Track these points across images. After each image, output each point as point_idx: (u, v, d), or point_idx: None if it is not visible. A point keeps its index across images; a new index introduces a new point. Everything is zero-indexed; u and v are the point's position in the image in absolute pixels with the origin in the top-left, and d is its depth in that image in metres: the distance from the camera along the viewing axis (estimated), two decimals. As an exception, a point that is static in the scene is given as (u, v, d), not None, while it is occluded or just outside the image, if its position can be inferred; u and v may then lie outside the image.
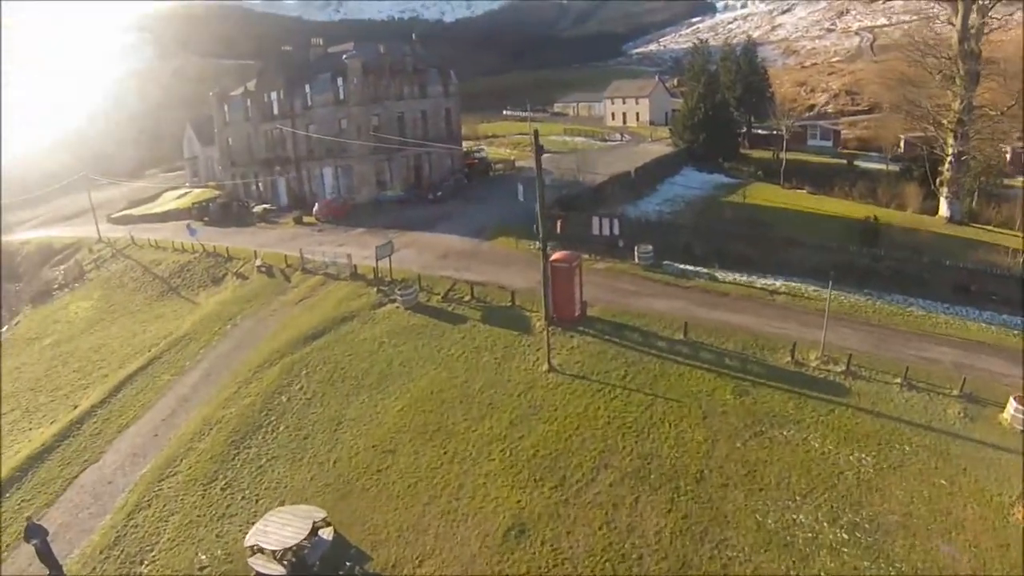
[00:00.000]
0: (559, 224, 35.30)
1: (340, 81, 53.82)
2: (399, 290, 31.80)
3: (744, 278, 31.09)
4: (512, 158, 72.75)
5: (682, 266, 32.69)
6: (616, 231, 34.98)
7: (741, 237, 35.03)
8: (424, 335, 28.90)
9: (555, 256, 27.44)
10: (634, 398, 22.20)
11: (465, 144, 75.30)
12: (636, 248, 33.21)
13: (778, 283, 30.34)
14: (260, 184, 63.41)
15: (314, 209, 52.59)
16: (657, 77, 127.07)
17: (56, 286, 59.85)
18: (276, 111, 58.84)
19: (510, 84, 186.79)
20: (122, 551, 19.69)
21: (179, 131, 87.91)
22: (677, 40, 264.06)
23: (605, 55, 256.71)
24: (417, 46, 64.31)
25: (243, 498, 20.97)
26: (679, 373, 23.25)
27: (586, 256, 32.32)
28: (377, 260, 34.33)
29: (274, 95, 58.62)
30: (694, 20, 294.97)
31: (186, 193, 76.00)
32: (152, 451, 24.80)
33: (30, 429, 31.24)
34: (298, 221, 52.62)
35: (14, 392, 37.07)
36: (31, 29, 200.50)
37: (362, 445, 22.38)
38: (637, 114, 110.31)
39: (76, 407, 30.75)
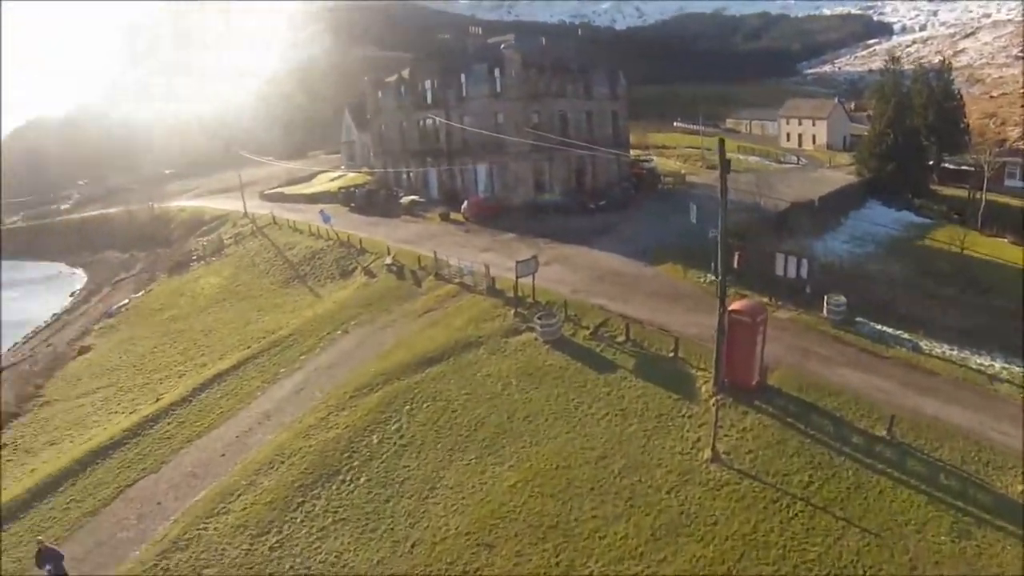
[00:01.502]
0: (737, 257, 36.58)
1: (498, 73, 60.67)
2: (540, 317, 33.04)
3: (956, 353, 30.38)
4: (683, 172, 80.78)
5: (880, 327, 32.71)
6: (804, 274, 36.62)
7: (955, 300, 36.10)
8: (561, 381, 28.95)
9: (735, 305, 27.75)
10: (819, 521, 20.91)
11: (632, 153, 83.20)
12: (826, 298, 34.18)
13: (998, 365, 29.53)
14: (411, 174, 73.28)
15: (463, 207, 59.72)
16: (836, 98, 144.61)
17: (195, 257, 74.10)
18: (430, 100, 68.08)
19: (679, 95, 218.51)
20: None
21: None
22: (852, 62, 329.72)
23: (777, 73, 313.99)
24: (583, 44, 70.81)
25: (291, 568, 21.85)
26: (880, 490, 21.98)
27: (764, 299, 33.54)
28: (518, 277, 36.17)
29: (428, 84, 68.13)
30: (870, 42, 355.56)
31: (339, 176, 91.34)
32: (212, 474, 27.45)
33: (113, 413, 38.06)
34: (444, 217, 59.92)
35: (118, 366, 46.34)
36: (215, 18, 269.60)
37: (454, 528, 22.24)
38: (813, 136, 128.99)
39: (158, 399, 36.29)
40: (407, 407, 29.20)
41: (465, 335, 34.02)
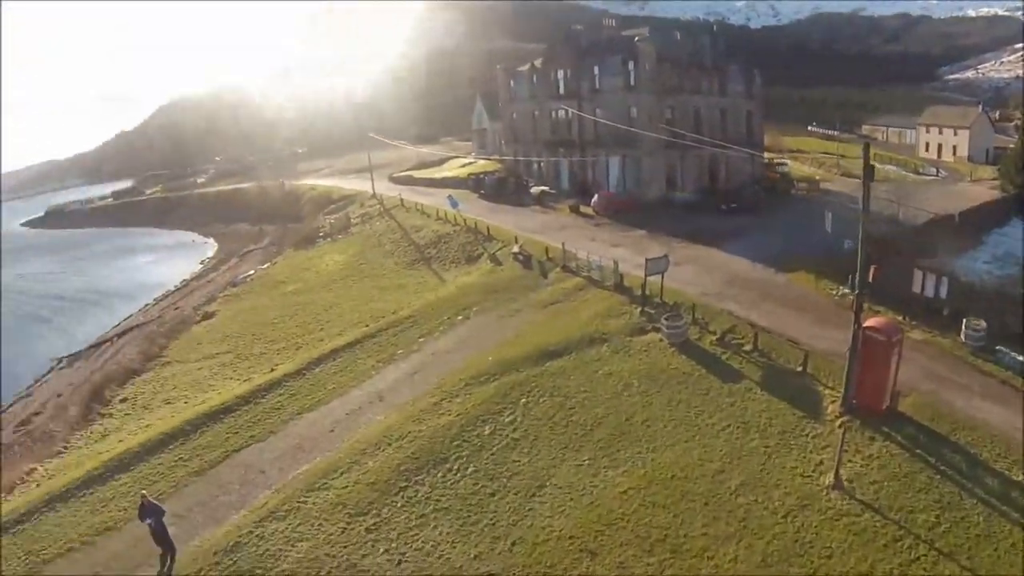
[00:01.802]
0: (873, 271, 34.48)
1: (632, 65, 60.86)
2: (667, 318, 32.59)
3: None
4: (816, 178, 79.12)
5: (1022, 358, 30.39)
6: (943, 294, 35.33)
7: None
8: (685, 387, 28.34)
9: (870, 322, 26.87)
10: (943, 569, 19.65)
11: (765, 156, 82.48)
12: (964, 322, 32.74)
13: None
14: (542, 164, 74.47)
15: (593, 200, 60.23)
16: (980, 107, 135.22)
17: (322, 234, 77.48)
18: (563, 91, 69.15)
19: (814, 98, 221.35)
20: (234, 562, 21.84)
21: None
22: (998, 68, 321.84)
23: (916, 78, 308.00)
24: (719, 40, 71.43)
25: (385, 551, 21.57)
26: (1012, 542, 20.37)
27: (899, 318, 32.68)
28: (647, 275, 35.78)
29: (561, 74, 69.10)
30: (1018, 46, 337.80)
31: (469, 163, 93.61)
32: (319, 449, 27.68)
33: (228, 379, 39.75)
34: (574, 210, 60.63)
35: (239, 333, 48.59)
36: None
37: (558, 530, 21.66)
38: (954, 147, 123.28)
39: (273, 370, 37.37)
40: (523, 400, 28.76)
41: (589, 331, 33.70)
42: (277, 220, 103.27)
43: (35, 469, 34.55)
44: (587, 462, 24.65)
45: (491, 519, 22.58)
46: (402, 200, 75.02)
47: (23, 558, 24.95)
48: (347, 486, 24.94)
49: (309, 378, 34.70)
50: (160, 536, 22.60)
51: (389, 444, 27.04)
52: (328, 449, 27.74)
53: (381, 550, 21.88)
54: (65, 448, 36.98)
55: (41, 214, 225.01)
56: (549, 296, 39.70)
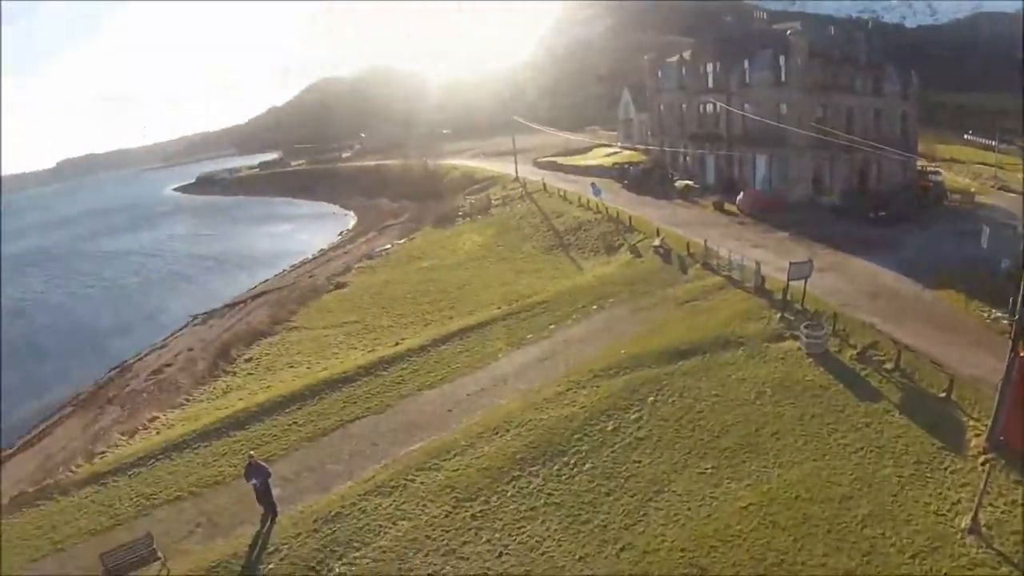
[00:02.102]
0: None
1: (783, 60, 58.75)
2: (807, 326, 31.26)
3: None
4: (972, 190, 73.21)
5: None
6: None
7: None
8: (819, 401, 26.80)
9: None
10: None
11: (918, 163, 77.09)
12: None
13: None
14: (687, 158, 73.07)
15: (738, 198, 58.42)
16: None
17: (461, 213, 78.97)
18: (711, 84, 67.22)
19: (972, 104, 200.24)
20: (333, 532, 21.83)
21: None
22: None
23: None
24: (873, 37, 67.75)
25: (487, 541, 20.99)
26: None
27: None
28: (789, 280, 34.24)
29: (710, 67, 67.20)
30: None
31: (614, 153, 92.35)
32: (434, 428, 27.39)
33: (353, 348, 40.47)
34: (718, 207, 58.90)
35: (369, 305, 49.87)
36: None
37: (670, 540, 20.55)
38: None
39: (398, 344, 37.69)
40: (651, 398, 27.64)
41: (725, 332, 32.37)
42: (418, 197, 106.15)
43: (157, 417, 36.27)
44: (710, 471, 23.38)
45: (603, 520, 21.59)
46: (545, 185, 75.14)
47: (134, 500, 26.16)
48: (458, 469, 24.50)
49: (434, 355, 34.68)
50: (264, 496, 23.07)
51: (507, 430, 26.39)
52: (444, 429, 27.43)
53: (484, 539, 21.29)
54: (188, 400, 38.63)
55: (192, 181, 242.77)
56: (687, 293, 38.54)
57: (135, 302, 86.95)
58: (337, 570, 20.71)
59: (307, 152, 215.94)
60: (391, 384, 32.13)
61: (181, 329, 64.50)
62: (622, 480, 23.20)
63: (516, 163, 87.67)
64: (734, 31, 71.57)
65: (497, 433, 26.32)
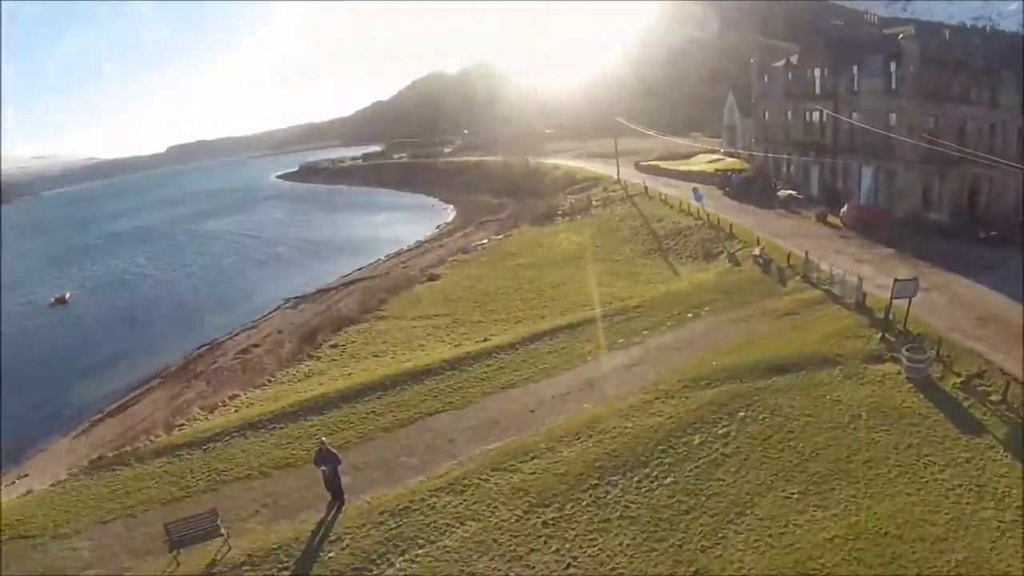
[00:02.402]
0: None
1: (893, 66, 55.70)
2: (908, 349, 29.24)
3: None
4: None
5: None
6: None
7: None
8: (917, 430, 24.94)
9: None
10: None
11: None
12: None
13: None
14: (791, 167, 70.24)
15: (842, 210, 55.94)
16: None
17: (560, 213, 78.61)
18: (818, 90, 64.23)
19: None
20: (398, 526, 21.37)
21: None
22: None
23: None
24: (990, 45, 63.01)
25: (556, 551, 20.11)
26: None
27: None
28: (892, 298, 32.21)
29: (817, 72, 64.30)
30: None
31: (717, 159, 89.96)
32: (515, 428, 26.63)
33: (440, 341, 40.23)
34: (821, 218, 56.56)
35: (460, 299, 49.79)
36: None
37: (747, 567, 19.28)
38: None
39: (486, 339, 37.16)
40: (741, 413, 26.20)
41: (822, 349, 30.64)
42: (518, 195, 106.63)
43: (237, 396, 36.77)
44: (796, 496, 21.84)
45: (679, 539, 20.37)
46: (646, 188, 74.22)
47: (206, 474, 26.56)
48: (535, 472, 23.64)
49: (522, 353, 34.01)
50: (332, 484, 22.89)
51: (590, 436, 25.39)
52: (525, 430, 26.63)
53: (553, 548, 20.38)
54: (269, 381, 38.99)
55: (295, 169, 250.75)
56: (785, 305, 37.05)
57: (231, 283, 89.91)
58: (398, 565, 20.22)
59: (409, 145, 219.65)
60: (475, 380, 31.60)
61: (273, 311, 65.87)
62: (703, 498, 21.93)
63: (618, 165, 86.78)
64: (843, 35, 68.48)
65: (579, 438, 25.37)
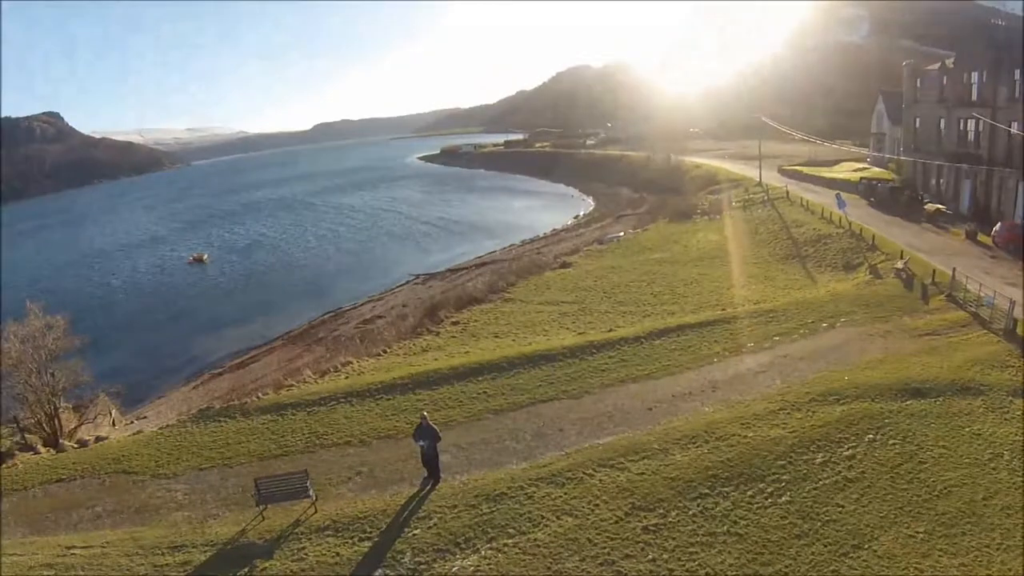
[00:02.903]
0: None
1: None
2: None
3: None
4: None
5: None
6: None
7: None
8: None
9: None
10: None
11: None
12: None
13: None
14: (941, 179, 64.92)
15: (994, 229, 51.03)
16: None
17: (699, 211, 77.01)
18: (974, 97, 58.31)
19: None
20: (491, 512, 20.46)
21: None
22: None
23: None
24: None
25: (652, 560, 18.36)
26: None
27: None
28: None
29: (974, 77, 58.29)
30: None
31: (863, 168, 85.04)
32: (628, 424, 25.21)
33: (564, 328, 39.37)
34: (970, 236, 52.11)
35: (589, 288, 49.01)
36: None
37: None
38: None
39: (611, 330, 35.98)
40: (869, 436, 23.63)
41: (964, 376, 27.47)
42: (657, 191, 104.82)
43: (351, 363, 36.97)
44: (921, 535, 19.21)
45: (787, 567, 18.24)
46: (787, 192, 71.85)
47: (306, 435, 26.84)
48: (643, 473, 22.10)
49: (646, 347, 32.59)
50: (429, 460, 22.32)
51: (706, 441, 23.60)
52: (639, 427, 25.13)
53: (649, 556, 18.72)
54: (385, 352, 39.07)
55: (436, 151, 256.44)
56: (926, 324, 33.81)
57: (364, 255, 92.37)
58: (482, 552, 19.25)
59: (552, 135, 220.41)
60: (594, 370, 30.42)
61: (401, 285, 66.86)
62: (819, 524, 19.67)
63: (760, 167, 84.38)
64: (1006, 37, 62.54)
65: (694, 442, 23.60)
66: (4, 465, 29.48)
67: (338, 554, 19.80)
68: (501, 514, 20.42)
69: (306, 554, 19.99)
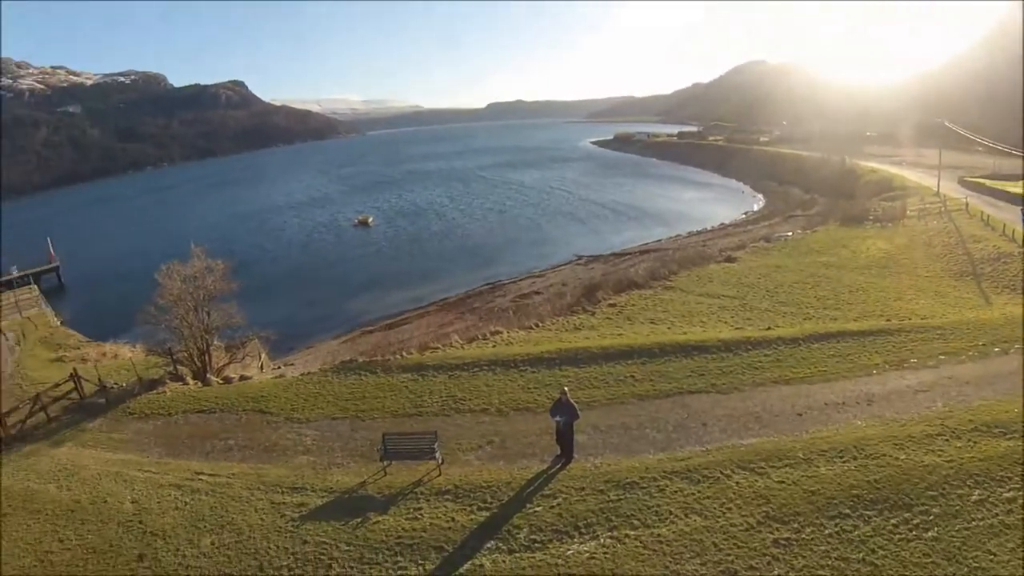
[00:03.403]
0: None
1: None
2: None
3: None
4: None
5: None
6: None
7: None
8: None
9: None
10: None
11: None
12: None
13: None
14: None
15: None
16: None
17: (871, 217, 72.41)
18: None
19: None
20: (618, 500, 19.61)
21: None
22: None
23: None
24: None
25: (777, 574, 17.03)
26: None
27: None
28: None
29: None
30: None
31: None
32: (775, 428, 23.66)
33: (721, 321, 38.02)
34: None
35: (751, 284, 47.45)
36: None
37: None
38: None
39: (769, 328, 34.33)
40: None
41: None
42: (829, 193, 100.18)
43: (500, 332, 37.03)
44: None
45: None
46: (967, 205, 66.78)
47: (443, 398, 27.11)
48: (783, 482, 20.49)
49: (803, 350, 30.60)
50: (563, 437, 21.69)
51: (854, 458, 21.53)
52: (785, 432, 23.46)
53: (774, 572, 17.24)
54: (537, 326, 38.95)
55: (609, 137, 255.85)
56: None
57: (527, 231, 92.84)
58: (602, 540, 18.44)
59: (725, 130, 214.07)
60: (747, 367, 28.86)
61: (563, 265, 66.57)
62: (965, 570, 17.08)
63: (939, 177, 78.92)
64: None
65: (842, 457, 21.63)
66: (155, 391, 31.79)
67: (454, 519, 19.66)
68: (628, 503, 19.57)
69: (422, 514, 20.00)
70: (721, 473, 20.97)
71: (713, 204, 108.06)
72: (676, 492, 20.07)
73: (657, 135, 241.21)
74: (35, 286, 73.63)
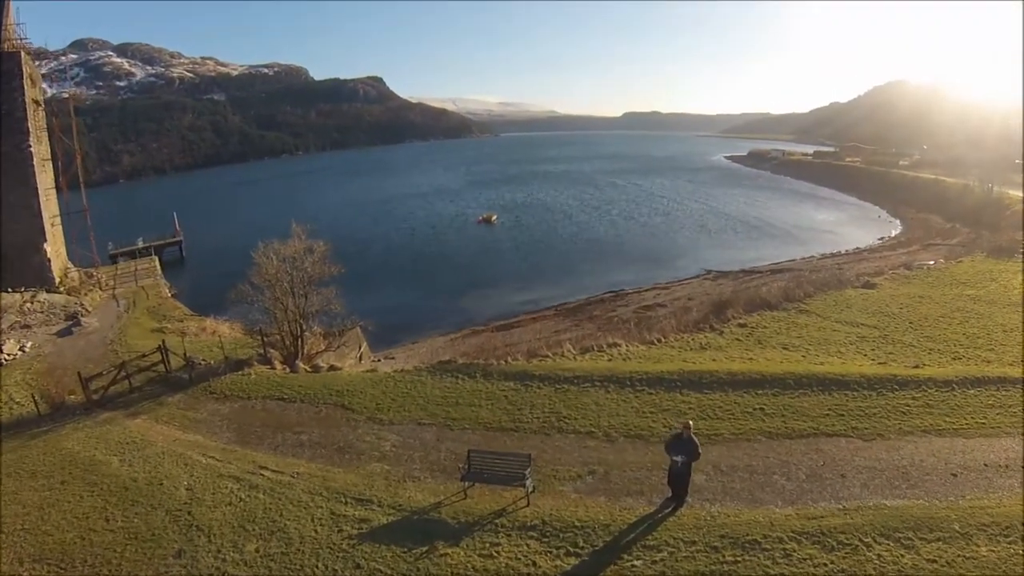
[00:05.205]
0: None
1: None
2: None
3: None
4: None
5: None
6: None
7: None
8: None
9: None
10: None
11: None
12: None
13: None
14: None
15: None
16: None
17: (1021, 250, 63.37)
18: None
19: None
20: (733, 562, 15.95)
21: None
22: None
23: None
24: None
25: None
26: None
27: None
28: None
29: None
30: None
31: None
32: (925, 489, 19.19)
33: (861, 353, 33.16)
34: None
35: (893, 314, 41.46)
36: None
37: None
38: None
39: (917, 367, 29.40)
40: None
41: None
42: (972, 223, 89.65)
43: (618, 345, 33.16)
44: None
45: None
46: None
47: (545, 413, 24.30)
48: (935, 561, 16.02)
49: (957, 395, 25.50)
50: (678, 478, 17.90)
51: (1021, 538, 16.72)
52: (938, 496, 18.82)
53: None
54: (659, 341, 34.83)
55: (743, 153, 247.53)
56: None
57: (655, 241, 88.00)
58: None
59: (863, 151, 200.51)
60: (893, 410, 24.14)
61: (690, 278, 61.95)
62: None
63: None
64: None
65: (1007, 535, 16.83)
66: (240, 372, 29.94)
67: (535, 563, 16.29)
68: (746, 567, 15.78)
69: (499, 552, 16.73)
70: (860, 540, 16.75)
71: (847, 226, 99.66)
72: (804, 560, 16.06)
73: (792, 153, 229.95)
74: (155, 257, 75.20)
